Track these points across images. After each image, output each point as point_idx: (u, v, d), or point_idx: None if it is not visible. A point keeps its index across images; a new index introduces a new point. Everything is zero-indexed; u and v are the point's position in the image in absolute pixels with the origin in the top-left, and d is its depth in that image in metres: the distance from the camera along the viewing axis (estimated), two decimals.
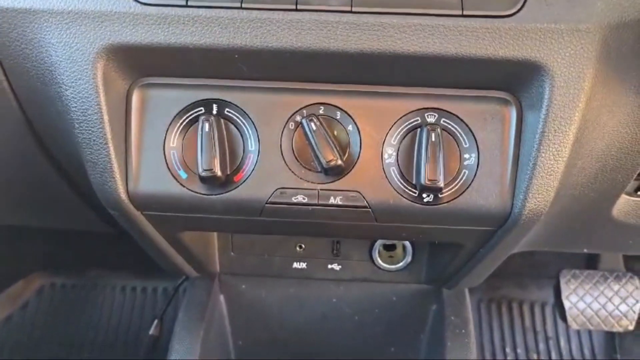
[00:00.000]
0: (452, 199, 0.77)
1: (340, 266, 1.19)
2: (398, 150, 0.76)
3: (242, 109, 0.77)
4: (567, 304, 1.52)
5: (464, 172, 0.76)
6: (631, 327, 1.52)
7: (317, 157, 0.75)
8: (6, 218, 1.22)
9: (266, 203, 0.78)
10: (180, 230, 0.94)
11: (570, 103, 0.69)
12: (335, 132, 0.76)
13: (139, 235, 0.91)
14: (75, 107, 0.74)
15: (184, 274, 1.18)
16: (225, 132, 0.76)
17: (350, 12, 0.69)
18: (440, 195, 0.77)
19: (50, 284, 1.81)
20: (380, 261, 1.18)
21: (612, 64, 0.70)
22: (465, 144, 0.76)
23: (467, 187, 0.76)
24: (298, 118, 0.76)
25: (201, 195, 0.78)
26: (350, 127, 0.76)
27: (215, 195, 0.78)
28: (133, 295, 1.80)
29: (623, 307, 1.52)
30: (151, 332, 1.37)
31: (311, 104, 0.76)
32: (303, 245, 1.18)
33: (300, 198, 0.77)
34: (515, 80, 0.73)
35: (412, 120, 0.76)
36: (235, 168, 0.77)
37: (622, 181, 0.84)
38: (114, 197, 0.78)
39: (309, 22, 0.69)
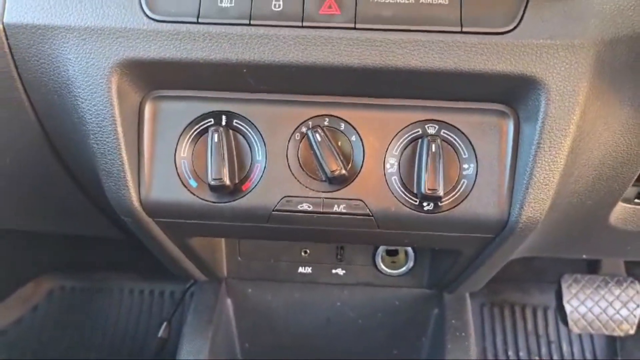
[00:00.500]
0: (452, 208, 0.78)
1: (344, 271, 1.20)
2: (399, 160, 0.78)
3: (250, 121, 0.78)
4: (568, 308, 1.51)
5: (463, 182, 0.77)
6: (632, 331, 1.50)
7: (321, 166, 0.76)
8: (22, 224, 1.23)
9: (273, 210, 0.80)
10: (190, 236, 0.95)
11: (565, 116, 0.70)
12: (340, 143, 0.77)
13: (150, 240, 0.93)
14: (91, 119, 0.75)
15: (192, 278, 1.19)
16: (233, 143, 0.78)
17: (354, 28, 0.71)
18: (440, 204, 0.78)
19: (60, 287, 1.81)
20: (383, 266, 1.19)
21: (607, 77, 0.70)
22: (465, 154, 0.77)
23: (466, 196, 0.78)
24: (304, 129, 0.78)
25: (210, 203, 0.80)
26: (353, 138, 0.78)
27: (224, 203, 0.80)
28: (141, 298, 1.81)
29: (624, 312, 1.51)
30: (160, 334, 1.38)
31: (316, 116, 0.78)
32: (308, 251, 1.19)
33: (305, 206, 0.79)
34: (512, 94, 0.74)
35: (413, 131, 0.77)
36: (243, 177, 0.79)
37: (618, 189, 0.85)
38: (127, 204, 0.80)
39: (314, 38, 0.71)
